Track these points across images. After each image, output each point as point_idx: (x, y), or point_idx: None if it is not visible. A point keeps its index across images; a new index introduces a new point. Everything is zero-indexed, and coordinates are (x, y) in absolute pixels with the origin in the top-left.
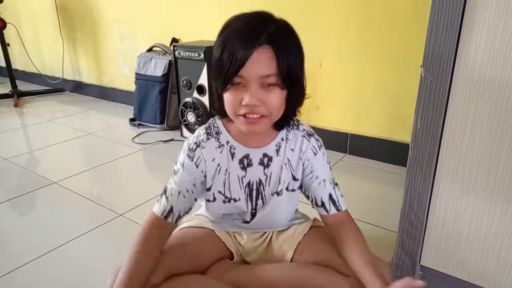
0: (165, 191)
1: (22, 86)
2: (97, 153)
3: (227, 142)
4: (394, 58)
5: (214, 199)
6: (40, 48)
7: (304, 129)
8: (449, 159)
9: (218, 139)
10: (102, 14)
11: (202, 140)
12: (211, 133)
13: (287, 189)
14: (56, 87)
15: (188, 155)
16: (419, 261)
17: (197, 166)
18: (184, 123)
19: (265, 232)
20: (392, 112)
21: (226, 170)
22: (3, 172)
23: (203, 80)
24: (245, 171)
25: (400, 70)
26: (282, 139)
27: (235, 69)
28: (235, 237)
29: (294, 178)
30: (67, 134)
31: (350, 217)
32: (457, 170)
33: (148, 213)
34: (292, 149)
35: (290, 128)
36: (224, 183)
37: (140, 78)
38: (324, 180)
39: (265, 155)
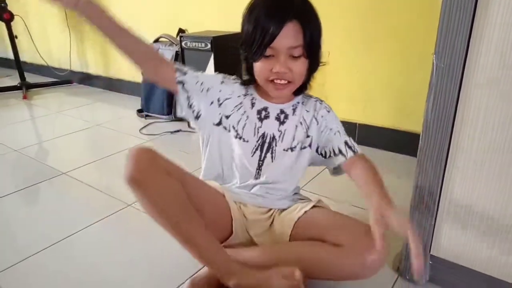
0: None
1: (30, 78)
2: (105, 144)
3: (251, 94)
4: (402, 49)
5: (229, 130)
6: (47, 40)
7: (316, 98)
8: (461, 148)
9: (246, 89)
10: (108, 6)
11: (236, 80)
12: (243, 84)
13: (301, 148)
14: (63, 79)
15: (224, 75)
16: (429, 251)
17: (221, 82)
18: None
19: (270, 209)
20: (400, 102)
21: (245, 112)
22: (12, 163)
23: (210, 70)
24: (262, 122)
25: (408, 61)
26: (298, 102)
27: (268, 42)
28: (240, 207)
29: (307, 135)
30: (75, 125)
31: (367, 158)
32: (469, 159)
33: None
34: (307, 110)
35: (304, 97)
36: (239, 122)
37: None
38: (339, 132)
39: (282, 111)
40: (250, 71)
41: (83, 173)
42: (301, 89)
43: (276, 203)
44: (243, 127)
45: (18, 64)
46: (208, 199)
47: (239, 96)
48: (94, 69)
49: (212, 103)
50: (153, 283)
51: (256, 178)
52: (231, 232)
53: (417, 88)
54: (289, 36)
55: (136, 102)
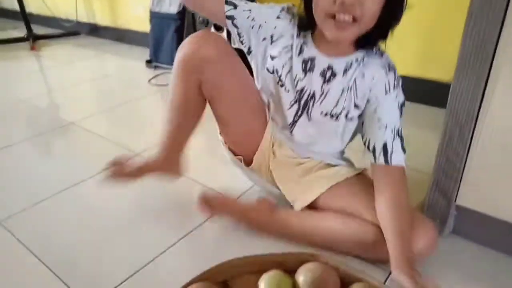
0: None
1: (37, 29)
2: (114, 95)
3: (304, 37)
4: None
5: (271, 72)
6: None
7: (387, 60)
8: (500, 87)
9: (299, 30)
10: None
11: (293, 16)
12: (299, 25)
13: (346, 116)
14: (70, 30)
15: (283, 7)
16: (455, 200)
17: (277, 17)
18: None
19: (308, 158)
20: (427, 49)
21: (291, 58)
22: (22, 113)
23: None
24: (305, 74)
25: (436, 3)
26: (357, 60)
27: None
28: (272, 145)
29: (356, 106)
30: (84, 76)
31: (401, 175)
32: (510, 98)
33: None
34: (363, 75)
35: (369, 53)
36: (283, 67)
37: (155, 16)
38: (386, 126)
39: (329, 67)
40: (308, 9)
41: (92, 123)
42: (366, 41)
43: (315, 155)
44: (286, 74)
45: (23, 15)
46: (242, 119)
47: (291, 36)
48: (101, 20)
49: (264, 39)
50: (159, 229)
51: (291, 133)
52: (252, 157)
53: (445, 32)
54: None
55: (145, 53)
